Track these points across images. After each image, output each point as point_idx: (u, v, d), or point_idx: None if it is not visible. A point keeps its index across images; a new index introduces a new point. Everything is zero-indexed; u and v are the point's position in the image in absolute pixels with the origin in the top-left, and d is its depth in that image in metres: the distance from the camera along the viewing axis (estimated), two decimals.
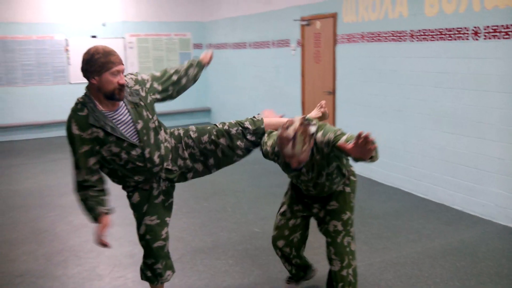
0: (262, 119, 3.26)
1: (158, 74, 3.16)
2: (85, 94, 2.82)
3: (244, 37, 10.26)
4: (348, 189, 3.19)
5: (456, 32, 5.37)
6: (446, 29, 5.47)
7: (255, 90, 9.93)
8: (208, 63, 3.44)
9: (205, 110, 12.43)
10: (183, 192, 6.41)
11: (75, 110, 2.79)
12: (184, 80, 3.25)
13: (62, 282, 4.05)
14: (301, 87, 8.23)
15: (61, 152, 9.15)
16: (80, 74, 2.82)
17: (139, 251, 4.53)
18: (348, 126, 7.20)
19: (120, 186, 3.13)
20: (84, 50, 2.79)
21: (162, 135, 3.08)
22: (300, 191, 3.31)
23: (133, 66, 11.47)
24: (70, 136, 2.79)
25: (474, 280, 3.82)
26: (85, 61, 2.75)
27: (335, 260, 3.17)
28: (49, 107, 10.85)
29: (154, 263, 3.14)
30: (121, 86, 2.77)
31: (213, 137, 3.15)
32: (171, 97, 3.23)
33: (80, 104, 2.79)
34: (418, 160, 6.01)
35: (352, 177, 3.21)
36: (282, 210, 3.41)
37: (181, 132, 3.23)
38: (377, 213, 5.41)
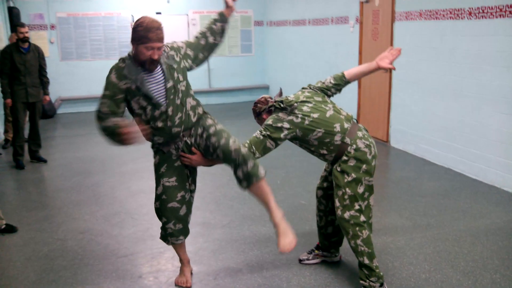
0: (262, 177, 3.24)
1: (192, 40, 3.38)
2: (128, 53, 3.09)
3: (304, 15, 10.29)
4: (340, 169, 3.26)
5: None
6: (507, 5, 5.32)
7: (313, 67, 9.97)
8: (230, 12, 3.45)
9: (263, 87, 12.59)
10: None
11: (117, 63, 3.08)
12: (211, 39, 3.39)
13: (118, 240, 4.38)
14: (359, 64, 8.19)
15: None
16: None
17: (192, 215, 4.81)
18: (403, 104, 7.17)
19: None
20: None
21: (190, 102, 3.23)
22: None
23: None
24: (107, 82, 3.05)
25: None
26: (132, 28, 3.03)
27: (343, 232, 3.38)
28: None
29: (166, 223, 3.34)
30: (153, 61, 2.98)
31: (217, 144, 3.14)
32: (204, 60, 3.44)
33: (122, 60, 3.07)
34: (472, 141, 5.92)
35: (344, 157, 3.24)
36: (325, 166, 3.69)
37: (204, 115, 3.37)
38: (425, 192, 5.42)
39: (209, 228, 4.58)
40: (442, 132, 6.42)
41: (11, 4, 9.72)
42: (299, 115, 3.28)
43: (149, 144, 3.34)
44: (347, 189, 3.24)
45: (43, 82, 6.94)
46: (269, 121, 3.30)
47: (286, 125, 3.27)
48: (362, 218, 3.28)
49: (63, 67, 11.01)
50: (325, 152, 3.30)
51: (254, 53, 12.47)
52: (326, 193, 3.61)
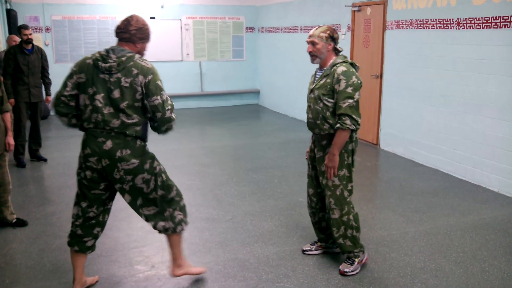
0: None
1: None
2: (131, 52, 3.22)
3: (296, 22, 10.59)
4: (343, 149, 3.61)
5: (503, 20, 5.56)
6: (493, 17, 5.67)
7: (304, 73, 10.25)
8: None
9: (254, 91, 12.85)
10: (234, 165, 6.91)
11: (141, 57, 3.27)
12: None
13: (127, 233, 4.59)
14: None
15: None
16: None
17: (195, 211, 5.05)
18: (393, 108, 7.49)
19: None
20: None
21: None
22: (312, 136, 3.87)
23: (188, 47, 12.01)
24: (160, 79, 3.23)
25: (502, 251, 4.13)
26: (137, 28, 3.21)
27: (336, 209, 3.66)
28: None
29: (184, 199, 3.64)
30: None
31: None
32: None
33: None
34: (459, 143, 6.26)
35: (348, 139, 3.61)
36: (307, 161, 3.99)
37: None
38: (416, 191, 5.73)
39: (213, 222, 4.81)
40: (430, 135, 6.76)
41: (8, 7, 9.85)
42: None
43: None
44: (345, 170, 3.64)
45: (45, 82, 7.12)
46: (358, 80, 3.51)
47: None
48: (350, 198, 3.72)
49: (57, 69, 11.07)
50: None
51: (245, 58, 12.74)
52: (316, 191, 3.92)
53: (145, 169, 3.27)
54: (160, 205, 3.39)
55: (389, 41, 7.49)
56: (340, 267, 3.76)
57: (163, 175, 3.38)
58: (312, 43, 3.62)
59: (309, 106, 3.74)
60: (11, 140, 4.63)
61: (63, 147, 8.11)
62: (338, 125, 3.49)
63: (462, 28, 6.10)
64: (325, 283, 3.64)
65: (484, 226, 4.68)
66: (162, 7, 11.66)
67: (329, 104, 3.56)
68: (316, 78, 3.72)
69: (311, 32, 3.65)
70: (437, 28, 6.51)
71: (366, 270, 3.81)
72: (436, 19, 6.51)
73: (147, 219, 3.44)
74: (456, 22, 6.19)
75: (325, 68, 3.65)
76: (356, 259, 3.76)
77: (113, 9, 11.33)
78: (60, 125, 10.09)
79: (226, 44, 12.44)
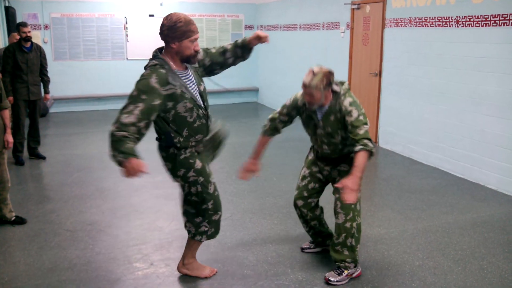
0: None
1: (212, 50, 3.54)
2: (159, 57, 3.15)
3: (295, 19, 10.58)
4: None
5: (502, 18, 5.56)
6: (492, 15, 5.67)
7: (303, 71, 10.22)
8: (257, 42, 3.54)
9: (253, 89, 12.85)
10: (232, 163, 6.91)
11: (155, 67, 3.07)
12: (230, 60, 3.60)
13: (126, 231, 4.60)
14: (348, 69, 8.53)
15: None
16: (137, 51, 3.24)
17: None
18: (392, 106, 7.50)
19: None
20: (142, 28, 3.23)
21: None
22: (317, 154, 3.80)
23: None
24: (146, 86, 2.98)
25: (500, 249, 4.15)
26: (168, 27, 3.06)
27: (341, 213, 3.57)
28: (107, 81, 11.54)
29: (220, 216, 3.58)
30: (196, 52, 3.18)
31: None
32: (215, 73, 3.67)
33: (159, 65, 3.09)
34: (458, 141, 6.27)
35: None
36: (302, 173, 3.92)
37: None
38: (414, 189, 5.74)
39: None
40: (429, 133, 6.76)
41: (7, 4, 9.84)
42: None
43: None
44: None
45: (44, 80, 7.11)
46: (360, 110, 3.43)
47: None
48: (358, 206, 3.63)
49: (56, 66, 11.09)
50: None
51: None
52: (306, 201, 3.88)
53: (178, 175, 3.34)
54: (195, 208, 3.47)
55: (388, 39, 7.49)
56: (327, 274, 3.65)
57: (199, 186, 3.36)
58: (310, 95, 3.43)
59: (322, 141, 3.64)
60: (10, 137, 4.63)
61: (62, 145, 8.11)
62: (361, 146, 3.30)
63: (461, 26, 6.10)
64: (324, 280, 3.65)
65: (482, 224, 4.69)
66: (161, 4, 11.63)
67: (345, 135, 3.53)
68: (319, 116, 3.57)
69: (307, 81, 3.39)
70: (436, 26, 6.51)
71: (364, 268, 3.82)
72: (435, 17, 6.51)
73: (183, 213, 3.56)
74: (455, 20, 6.19)
75: (327, 106, 3.52)
76: (346, 271, 3.62)
77: (111, 6, 11.29)
78: (59, 123, 10.17)
79: (225, 42, 12.39)
